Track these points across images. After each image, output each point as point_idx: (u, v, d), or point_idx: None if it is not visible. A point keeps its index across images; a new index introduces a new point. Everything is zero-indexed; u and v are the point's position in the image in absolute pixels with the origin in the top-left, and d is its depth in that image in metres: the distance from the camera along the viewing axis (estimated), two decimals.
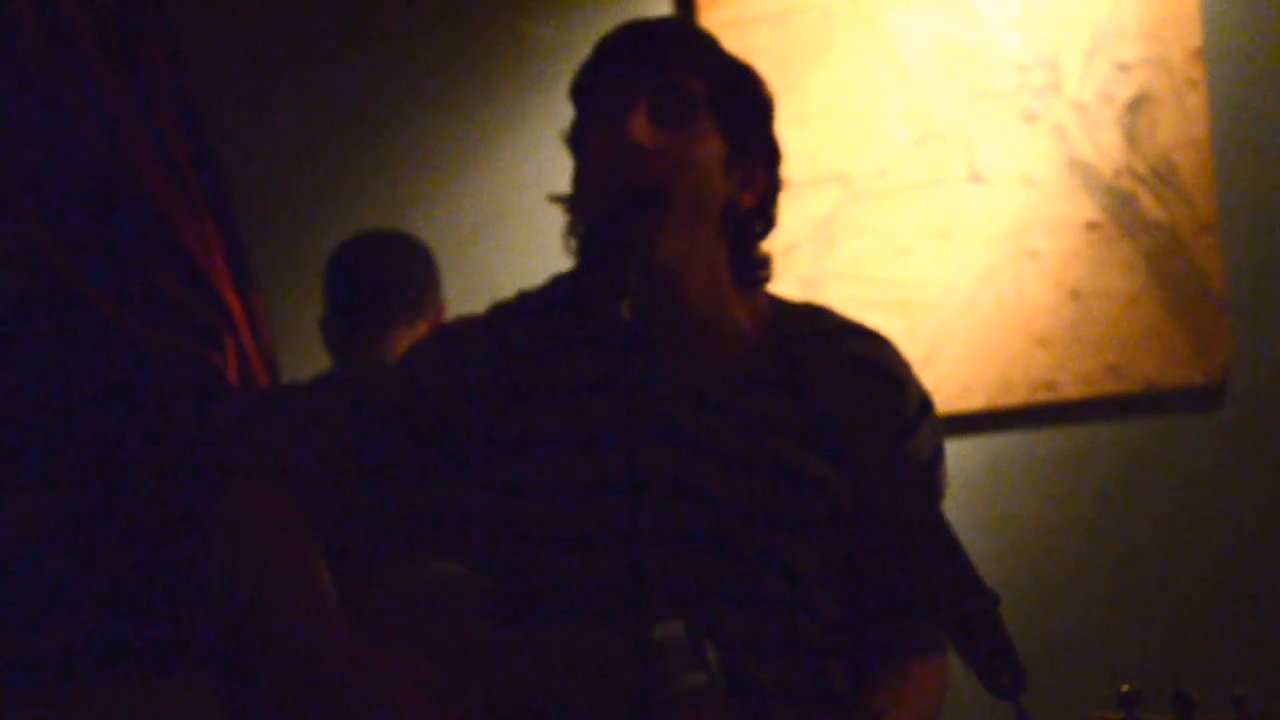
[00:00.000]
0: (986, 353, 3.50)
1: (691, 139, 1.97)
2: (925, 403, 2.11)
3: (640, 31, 2.06)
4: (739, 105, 2.03)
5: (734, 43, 3.33)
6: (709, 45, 2.08)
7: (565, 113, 3.41)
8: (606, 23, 3.36)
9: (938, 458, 2.10)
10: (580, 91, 2.06)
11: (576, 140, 2.06)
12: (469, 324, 2.11)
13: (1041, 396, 3.50)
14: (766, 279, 2.10)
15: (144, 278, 3.10)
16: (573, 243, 2.09)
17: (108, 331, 3.13)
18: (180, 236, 3.12)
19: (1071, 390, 3.51)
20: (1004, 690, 1.88)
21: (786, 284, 3.37)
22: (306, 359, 3.30)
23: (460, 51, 3.44)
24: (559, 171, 3.38)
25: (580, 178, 2.04)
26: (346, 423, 2.05)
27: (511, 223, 3.42)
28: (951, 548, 1.97)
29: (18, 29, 3.10)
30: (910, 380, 2.10)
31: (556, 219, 3.36)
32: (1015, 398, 3.50)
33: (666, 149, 1.95)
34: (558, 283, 2.11)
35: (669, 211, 1.95)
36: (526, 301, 2.10)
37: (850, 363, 2.05)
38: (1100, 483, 3.56)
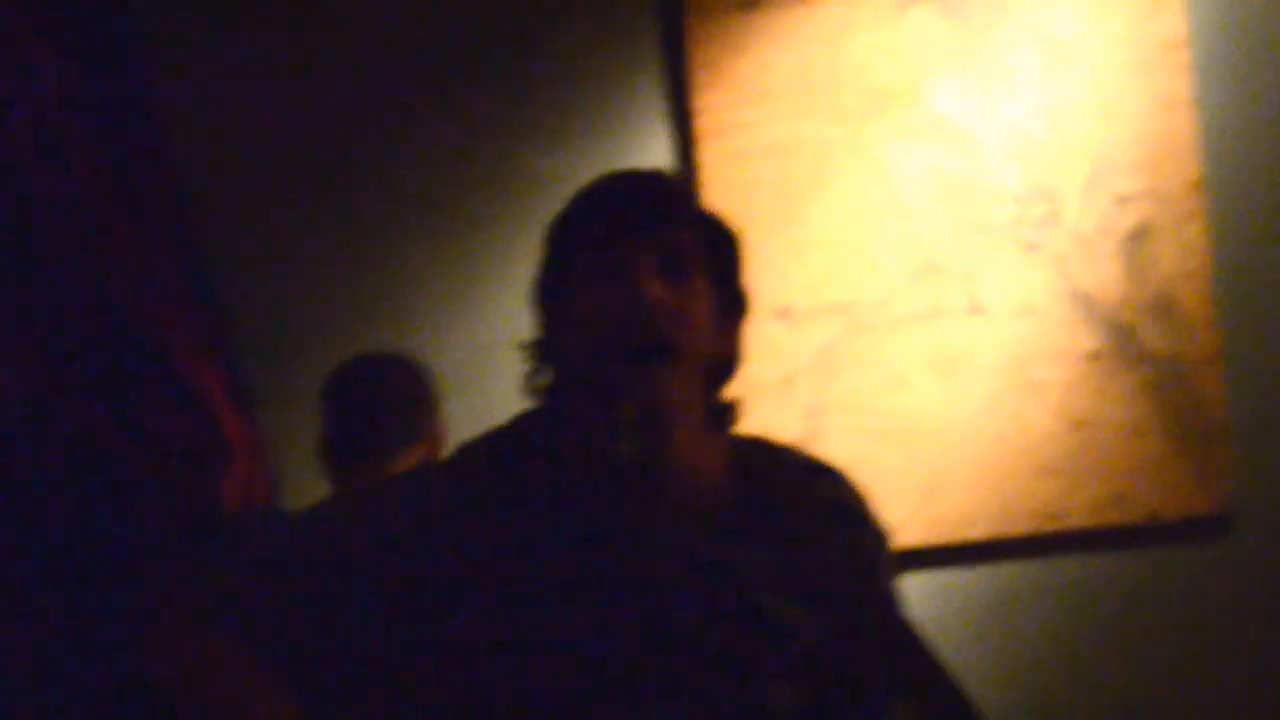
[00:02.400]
0: (989, 483, 3.49)
1: (693, 292, 1.99)
2: (881, 537, 2.11)
3: (635, 184, 2.05)
4: (722, 258, 2.05)
5: (734, 174, 3.44)
6: (690, 196, 2.12)
7: None
8: (602, 154, 3.45)
9: (896, 588, 2.10)
10: (571, 241, 2.05)
11: (560, 289, 2.05)
12: (438, 471, 2.10)
13: (1045, 526, 3.49)
14: (733, 423, 2.10)
15: (141, 403, 3.10)
16: (538, 387, 2.08)
17: (106, 461, 3.12)
18: (177, 361, 3.12)
19: (1075, 520, 3.49)
20: None
21: (788, 414, 3.42)
22: (308, 483, 3.30)
23: (462, 179, 3.47)
24: None
25: (573, 326, 2.03)
26: (298, 575, 1.97)
27: (510, 349, 3.42)
28: (940, 676, 1.98)
29: (15, 151, 3.11)
30: (869, 515, 2.10)
31: None
32: (1018, 527, 3.48)
33: (675, 303, 1.97)
34: (527, 423, 2.10)
35: (677, 364, 1.97)
36: (495, 442, 2.08)
37: (813, 504, 2.05)
38: (1105, 613, 3.54)
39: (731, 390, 2.09)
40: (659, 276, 1.96)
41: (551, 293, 2.05)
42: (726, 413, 2.08)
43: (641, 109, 3.49)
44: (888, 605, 2.02)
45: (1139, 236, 3.53)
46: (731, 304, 2.06)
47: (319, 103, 3.44)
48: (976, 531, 3.48)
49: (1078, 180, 3.52)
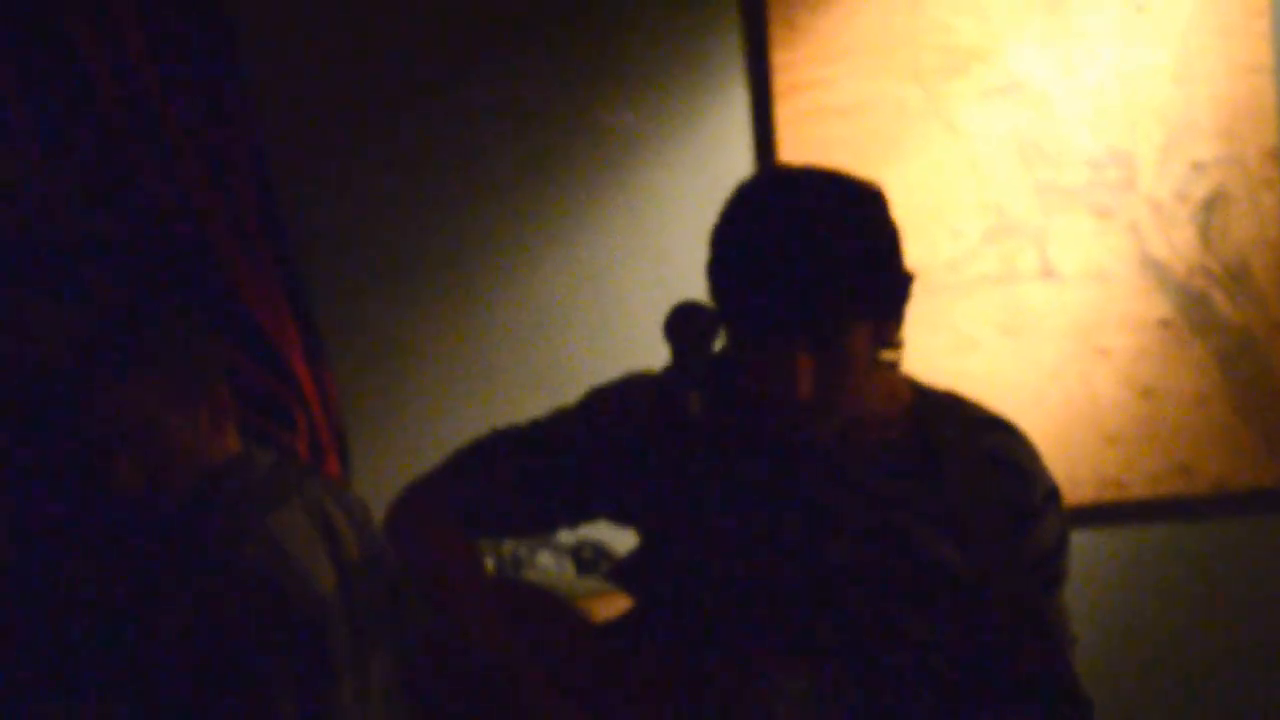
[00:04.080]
0: (1055, 449, 3.44)
1: (847, 348, 2.01)
2: (1051, 492, 2.17)
3: (789, 261, 1.97)
4: (881, 280, 2.04)
5: (810, 133, 3.43)
6: (843, 224, 2.00)
7: (639, 198, 3.46)
8: (681, 111, 3.44)
9: (1061, 547, 2.16)
10: (729, 301, 2.05)
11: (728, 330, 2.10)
12: (651, 383, 2.17)
13: (1110, 495, 3.49)
14: (900, 359, 2.14)
15: (230, 351, 3.13)
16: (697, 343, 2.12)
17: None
18: (253, 310, 3.14)
19: (1140, 489, 3.49)
20: None
21: None
22: (376, 435, 3.32)
23: (540, 135, 3.47)
24: (633, 256, 3.44)
25: (741, 395, 2.09)
26: (516, 461, 2.20)
27: (584, 307, 3.44)
28: (1058, 645, 2.04)
29: (97, 100, 3.14)
30: (1038, 473, 2.17)
31: (626, 307, 3.42)
32: (1083, 495, 3.48)
33: (825, 373, 2.00)
34: (718, 362, 2.15)
35: (828, 415, 2.04)
36: (682, 376, 2.14)
37: (982, 456, 2.12)
38: (1168, 583, 3.54)
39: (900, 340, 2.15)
40: (813, 361, 1.98)
41: (715, 286, 2.06)
42: (893, 345, 2.12)
43: (719, 65, 3.48)
44: (1037, 564, 2.08)
45: (1214, 204, 3.51)
46: (893, 296, 2.07)
47: (394, 54, 3.44)
48: None
49: (1154, 145, 3.50)
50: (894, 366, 2.15)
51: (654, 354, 2.08)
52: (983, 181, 3.49)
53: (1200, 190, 3.51)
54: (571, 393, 2.20)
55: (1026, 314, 3.49)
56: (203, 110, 3.20)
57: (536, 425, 2.21)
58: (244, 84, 3.26)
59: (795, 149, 3.38)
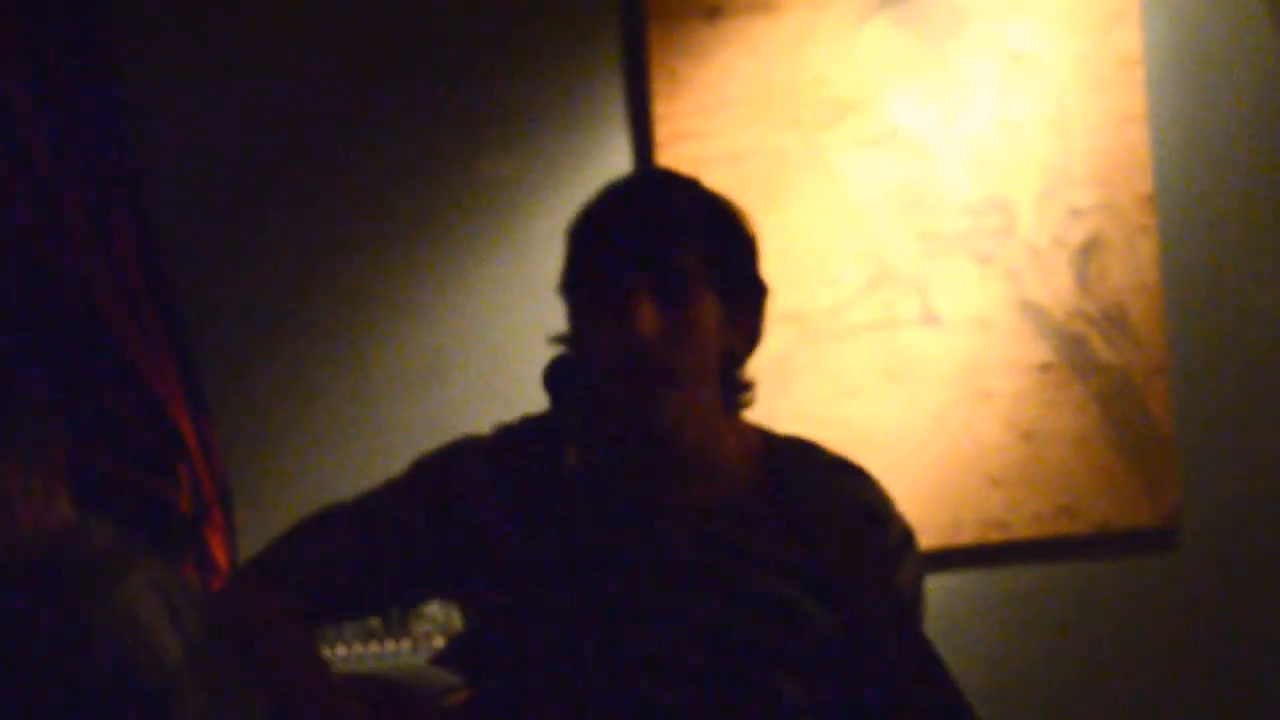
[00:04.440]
0: (939, 492, 3.51)
1: (693, 315, 2.02)
2: (907, 535, 2.17)
3: (637, 205, 2.06)
4: (733, 262, 2.07)
5: None
6: (701, 205, 2.11)
7: (524, 246, 3.46)
8: (564, 159, 3.46)
9: (920, 589, 2.17)
10: (579, 259, 2.07)
11: (573, 297, 2.09)
12: (486, 445, 2.14)
13: (994, 536, 3.52)
14: (750, 402, 2.15)
15: (97, 404, 3.09)
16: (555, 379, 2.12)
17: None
18: (134, 361, 3.11)
19: (1023, 530, 3.53)
20: None
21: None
22: (261, 489, 3.30)
23: (422, 183, 3.46)
24: (519, 303, 3.44)
25: (585, 340, 2.07)
26: (345, 541, 2.13)
27: (472, 354, 3.44)
28: (944, 680, 2.02)
29: None
30: (893, 515, 2.17)
31: (513, 355, 3.42)
32: (967, 537, 3.51)
33: (670, 331, 2.00)
34: (562, 412, 2.14)
35: (675, 384, 2.00)
36: (534, 426, 2.13)
37: (837, 500, 2.11)
38: (1053, 623, 3.57)
39: (749, 381, 2.15)
40: (657, 306, 1.99)
41: (569, 297, 2.08)
42: (742, 391, 2.13)
43: (603, 115, 3.49)
44: (901, 608, 2.06)
45: (1091, 249, 3.56)
46: (745, 295, 2.09)
47: (280, 108, 3.42)
48: (926, 541, 3.43)
49: (1031, 193, 3.55)
50: (745, 406, 2.15)
51: (541, 399, 2.08)
52: (863, 229, 3.51)
53: (1078, 236, 3.56)
54: (465, 432, 2.19)
55: (909, 360, 3.52)
56: (84, 160, 3.17)
57: (366, 499, 2.16)
58: (125, 133, 3.24)
59: None
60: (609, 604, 2.01)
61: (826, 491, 2.11)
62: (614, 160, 3.46)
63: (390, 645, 3.21)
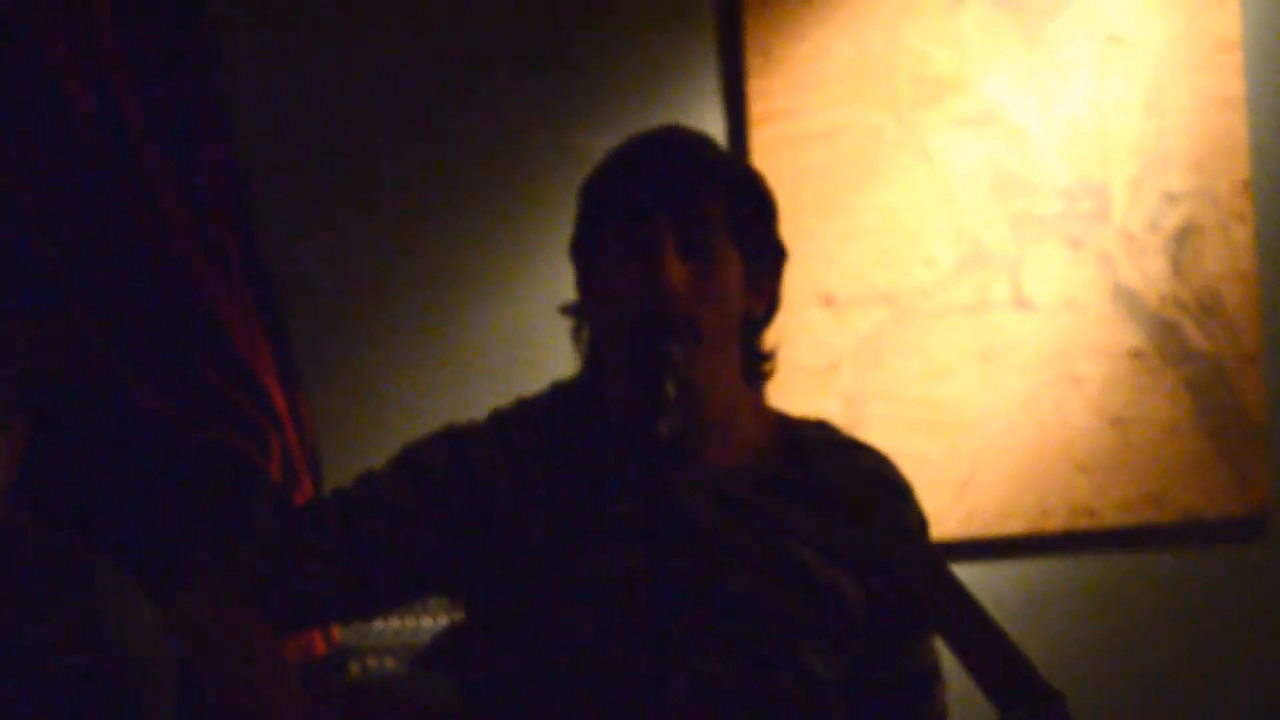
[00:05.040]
0: (1026, 477, 3.49)
1: (717, 267, 2.00)
2: (923, 517, 2.16)
3: (660, 154, 2.05)
4: (754, 222, 2.06)
5: (784, 160, 3.44)
6: (724, 162, 2.09)
7: None
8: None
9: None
10: (597, 210, 2.06)
11: (591, 256, 2.06)
12: (474, 431, 2.11)
13: (1081, 523, 3.49)
14: (771, 372, 2.13)
15: (191, 372, 3.12)
16: (582, 346, 2.11)
17: (152, 425, 3.14)
18: (229, 333, 3.14)
19: (1111, 518, 3.50)
20: None
21: (830, 401, 3.43)
22: (350, 459, 3.31)
23: (516, 161, 3.47)
24: None
25: (604, 299, 2.04)
26: (329, 541, 2.03)
27: (557, 332, 3.43)
28: (1009, 647, 2.00)
29: (75, 120, 3.14)
30: (913, 495, 2.15)
31: None
32: (1054, 523, 3.49)
33: (695, 284, 1.98)
34: (562, 392, 2.12)
35: (700, 340, 1.98)
36: (531, 410, 2.11)
37: (858, 474, 2.10)
38: (1139, 612, 3.55)
39: (771, 352, 2.13)
40: (681, 256, 1.97)
41: (584, 256, 2.07)
42: (763, 361, 2.11)
43: (696, 92, 3.49)
44: (937, 564, 2.03)
45: (1185, 235, 3.53)
46: (765, 260, 2.07)
47: (372, 90, 3.44)
48: (1012, 526, 3.49)
49: (1126, 177, 3.52)
50: (767, 376, 2.13)
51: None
52: (956, 210, 3.50)
53: (1172, 221, 3.53)
54: None
55: (999, 342, 3.50)
56: (180, 143, 3.20)
57: (351, 490, 2.07)
58: (223, 118, 3.26)
59: (770, 175, 3.25)
60: (632, 574, 1.96)
61: (848, 466, 2.09)
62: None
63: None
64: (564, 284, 3.41)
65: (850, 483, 2.07)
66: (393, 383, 3.43)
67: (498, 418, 2.12)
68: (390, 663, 3.06)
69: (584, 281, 2.10)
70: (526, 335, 3.45)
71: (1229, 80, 3.53)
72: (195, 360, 3.11)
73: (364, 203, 3.45)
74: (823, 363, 3.46)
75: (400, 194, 3.46)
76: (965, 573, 3.34)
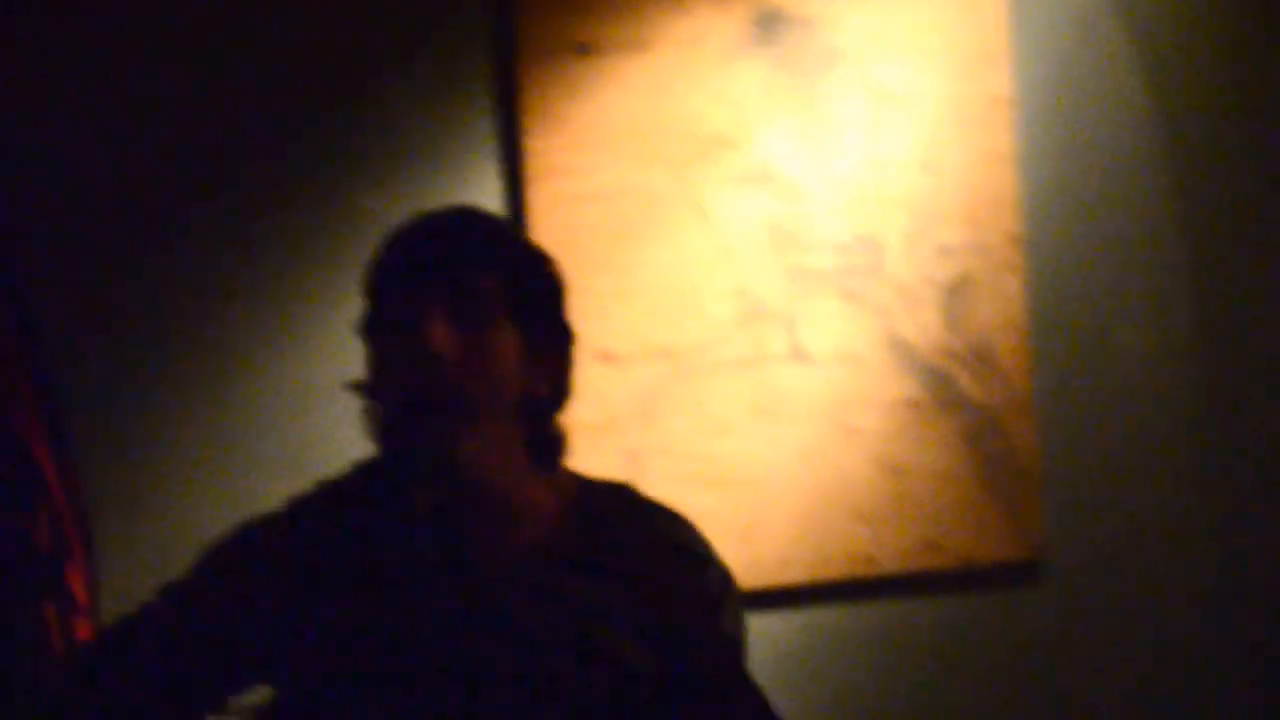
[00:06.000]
0: (806, 527, 3.53)
1: (488, 339, 2.00)
2: (726, 579, 2.16)
3: (433, 231, 2.06)
4: (533, 296, 2.06)
5: (562, 218, 3.46)
6: (502, 237, 2.10)
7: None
8: (434, 193, 3.45)
9: (741, 633, 2.16)
10: (375, 288, 2.06)
11: (372, 334, 2.07)
12: (270, 522, 2.10)
13: (860, 570, 3.54)
14: (562, 456, 2.13)
15: None
16: (372, 427, 2.10)
17: None
18: None
19: (890, 565, 3.55)
20: None
21: (610, 457, 3.44)
22: (123, 524, 3.26)
23: (289, 217, 3.43)
24: None
25: (379, 376, 2.04)
26: (143, 652, 2.03)
27: (336, 393, 3.40)
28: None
29: None
30: (712, 558, 2.16)
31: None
32: (834, 571, 3.53)
33: (464, 354, 1.98)
34: (361, 472, 2.12)
35: (467, 413, 1.98)
36: (330, 490, 2.11)
37: (654, 543, 2.10)
38: (919, 656, 3.60)
39: (562, 434, 2.13)
40: (451, 325, 1.97)
41: (367, 337, 2.07)
42: (553, 445, 2.10)
43: (473, 150, 3.47)
44: (727, 647, 2.05)
45: (959, 288, 3.60)
46: (548, 339, 2.07)
47: (143, 137, 3.38)
48: (793, 575, 3.52)
49: (901, 231, 3.58)
50: (555, 463, 2.13)
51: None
52: (734, 266, 3.53)
53: (946, 274, 3.59)
54: (328, 472, 2.17)
55: (777, 396, 3.53)
56: None
57: (158, 601, 2.08)
58: None
59: (548, 234, 3.40)
60: (425, 661, 1.98)
61: (643, 534, 2.10)
62: (484, 195, 3.45)
63: None
64: (347, 345, 3.39)
65: (645, 552, 2.08)
66: (167, 446, 3.37)
67: (295, 505, 2.11)
68: None
69: (368, 363, 2.10)
70: (307, 397, 3.41)
71: (1001, 136, 3.61)
72: None
73: (137, 258, 3.37)
74: (601, 418, 3.47)
75: (177, 249, 3.39)
76: (749, 622, 3.40)
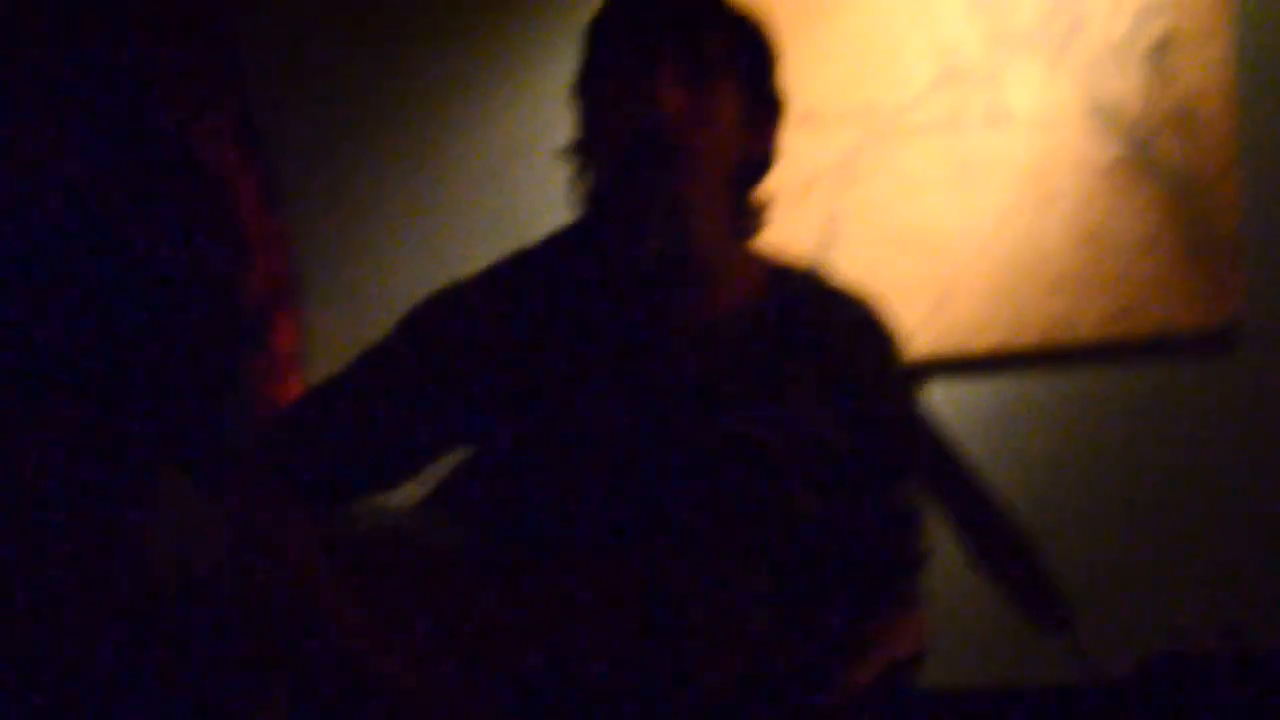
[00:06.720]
0: (1001, 293, 3.52)
1: (713, 99, 2.04)
2: (911, 369, 2.25)
3: None
4: (754, 60, 2.08)
5: None
6: (729, 7, 2.14)
7: None
8: None
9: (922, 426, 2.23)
10: (598, 44, 2.07)
11: (591, 89, 2.07)
12: (470, 287, 2.12)
13: (1055, 337, 3.52)
14: (761, 227, 2.15)
15: (168, 196, 3.11)
16: (582, 189, 2.12)
17: (130, 249, 3.12)
18: (207, 155, 3.13)
19: (1085, 332, 3.52)
20: (1052, 624, 1.93)
21: (807, 218, 3.46)
22: (330, 280, 3.33)
23: None
24: None
25: (598, 131, 2.05)
26: (347, 414, 2.08)
27: (538, 156, 3.44)
28: (985, 494, 2.05)
29: None
30: (898, 340, 2.22)
31: None
32: (1029, 338, 3.51)
33: (692, 112, 1.99)
34: (561, 237, 2.14)
35: (693, 170, 2.00)
36: (531, 257, 2.13)
37: (847, 323, 2.17)
38: (1112, 425, 3.57)
39: (763, 204, 2.14)
40: (680, 84, 2.00)
41: (585, 94, 2.07)
42: (754, 215, 2.13)
43: None
44: (915, 407, 2.07)
45: (1163, 48, 3.51)
46: (763, 106, 2.10)
47: None
48: (987, 341, 3.52)
49: None
50: (755, 232, 2.14)
51: None
52: (933, 25, 3.51)
53: (1149, 35, 3.50)
54: (531, 235, 2.19)
55: (974, 160, 3.51)
56: None
57: (357, 364, 2.10)
58: None
59: None
60: (629, 423, 2.04)
61: (837, 315, 2.16)
62: None
63: None
64: (547, 106, 3.41)
65: (839, 331, 2.14)
66: (373, 203, 3.44)
67: (491, 272, 2.16)
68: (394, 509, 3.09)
69: (583, 122, 2.11)
70: (510, 159, 3.47)
71: None
72: (171, 183, 3.09)
73: (346, 20, 3.41)
74: (799, 180, 3.48)
75: (383, 13, 3.42)
76: (940, 388, 3.42)
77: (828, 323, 2.11)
